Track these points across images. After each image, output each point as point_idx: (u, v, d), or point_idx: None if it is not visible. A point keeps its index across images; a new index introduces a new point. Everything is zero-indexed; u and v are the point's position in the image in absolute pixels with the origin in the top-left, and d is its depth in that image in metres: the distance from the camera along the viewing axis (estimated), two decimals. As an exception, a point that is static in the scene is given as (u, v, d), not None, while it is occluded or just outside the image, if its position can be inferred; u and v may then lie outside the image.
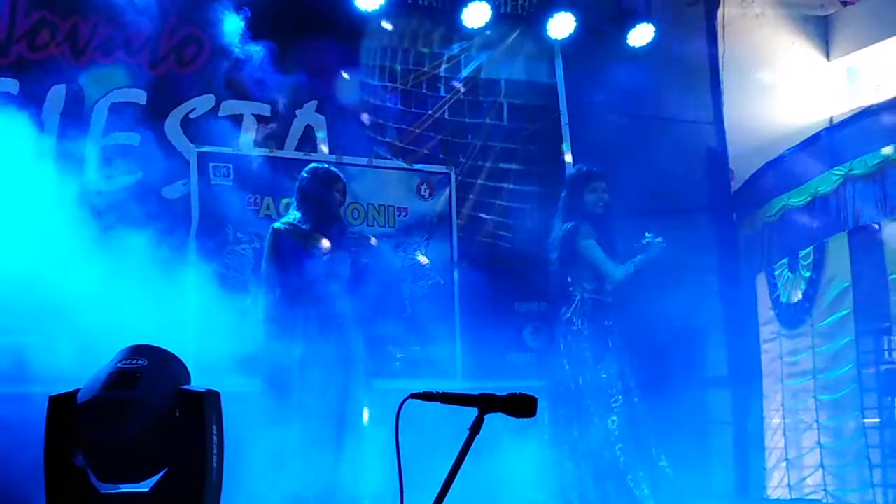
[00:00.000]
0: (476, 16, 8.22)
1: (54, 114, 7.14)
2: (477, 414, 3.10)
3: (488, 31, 8.43)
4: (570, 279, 7.27)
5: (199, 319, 6.99)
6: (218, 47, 7.48)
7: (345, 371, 6.57)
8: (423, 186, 8.15)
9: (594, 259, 7.19)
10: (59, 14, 7.19)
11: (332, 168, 6.93)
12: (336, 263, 6.63)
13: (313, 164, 6.94)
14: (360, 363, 6.70)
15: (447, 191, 8.21)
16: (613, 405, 7.04)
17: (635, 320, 7.67)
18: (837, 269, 7.79)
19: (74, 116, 7.18)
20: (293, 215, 6.76)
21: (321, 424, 6.39)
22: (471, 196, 8.35)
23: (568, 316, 7.23)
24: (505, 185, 8.41)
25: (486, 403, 3.10)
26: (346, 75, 8.04)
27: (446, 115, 8.38)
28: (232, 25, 7.43)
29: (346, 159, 7.92)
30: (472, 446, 3.09)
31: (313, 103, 7.89)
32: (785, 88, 9.69)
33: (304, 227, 6.66)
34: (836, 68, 9.87)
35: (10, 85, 7.05)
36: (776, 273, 8.58)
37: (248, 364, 6.89)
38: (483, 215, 8.37)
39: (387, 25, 8.15)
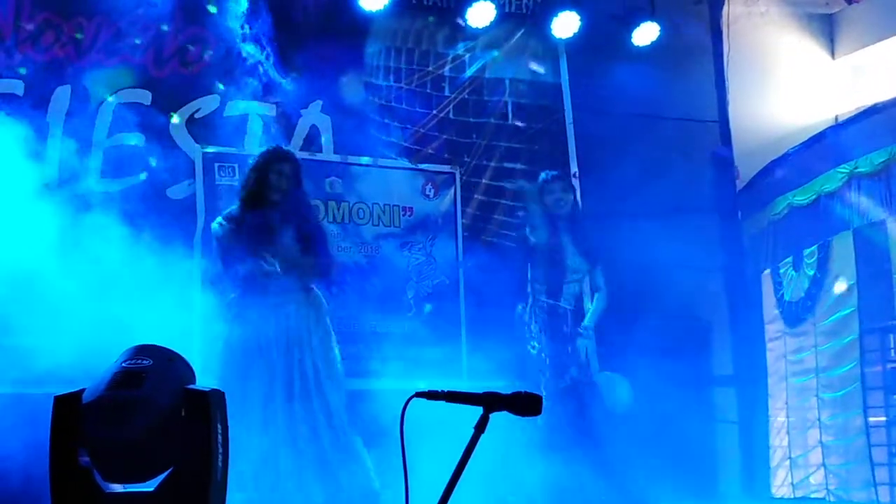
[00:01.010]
0: (480, 15, 8.22)
1: (59, 114, 7.15)
2: (482, 412, 3.10)
3: (493, 31, 8.43)
4: (529, 276, 7.27)
5: (204, 319, 6.99)
6: (223, 47, 7.50)
7: (289, 359, 6.23)
8: (428, 186, 8.15)
9: None
10: (63, 15, 7.20)
11: (281, 147, 6.63)
12: (275, 250, 6.25)
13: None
14: (309, 352, 6.28)
15: (452, 190, 8.21)
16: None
17: (641, 318, 7.67)
18: (842, 267, 7.79)
19: (79, 117, 7.20)
20: (232, 206, 6.49)
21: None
22: (476, 195, 8.34)
23: (523, 317, 7.19)
24: (509, 185, 8.41)
25: (491, 402, 3.10)
26: (350, 75, 8.05)
27: (451, 115, 8.38)
28: (236, 25, 7.44)
29: (351, 159, 7.93)
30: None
31: (318, 103, 7.89)
32: (790, 87, 9.69)
33: (237, 216, 6.33)
34: (841, 66, 9.87)
35: (16, 86, 7.07)
36: (781, 271, 8.58)
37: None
38: (488, 215, 8.36)
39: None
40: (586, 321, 7.27)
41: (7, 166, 6.51)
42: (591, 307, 7.38)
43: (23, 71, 7.06)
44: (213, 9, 7.46)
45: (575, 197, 7.47)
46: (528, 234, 7.27)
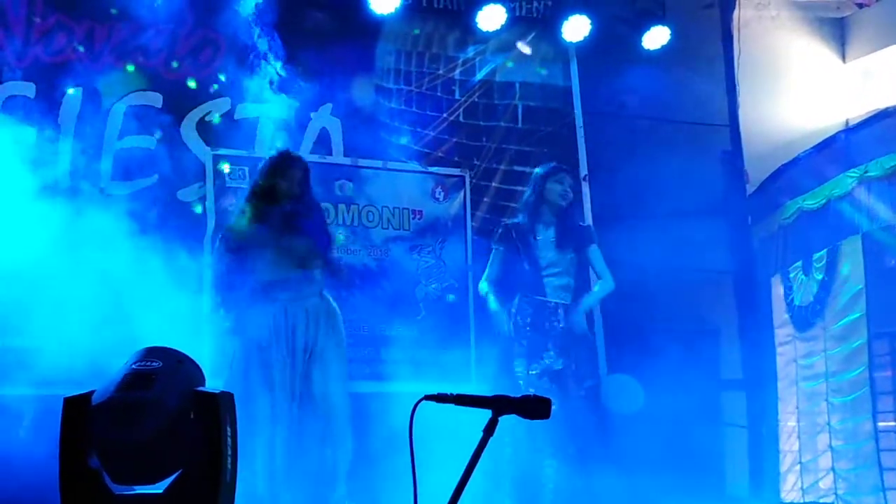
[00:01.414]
0: (491, 19, 8.21)
1: (70, 117, 7.18)
2: (491, 415, 3.11)
3: (503, 34, 8.42)
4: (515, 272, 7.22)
5: (213, 321, 7.01)
6: (233, 50, 7.51)
7: (293, 367, 6.21)
8: (438, 189, 8.15)
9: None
10: (74, 18, 7.22)
11: (290, 152, 6.58)
12: (287, 256, 6.24)
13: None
14: (319, 360, 6.24)
15: (462, 194, 8.21)
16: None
17: (650, 322, 7.67)
18: (851, 271, 7.78)
19: (91, 119, 7.22)
20: (240, 213, 6.47)
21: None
22: (485, 199, 8.34)
23: (513, 312, 7.12)
24: (519, 188, 8.35)
25: (500, 405, 3.10)
26: (360, 78, 8.05)
27: (461, 118, 8.38)
28: (247, 28, 7.46)
29: (361, 162, 7.94)
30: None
31: (328, 106, 7.90)
32: (800, 91, 9.68)
33: (245, 223, 6.31)
34: (851, 70, 9.85)
35: (27, 88, 7.09)
36: (791, 276, 8.57)
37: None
38: (497, 218, 8.35)
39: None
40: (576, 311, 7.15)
41: (18, 168, 6.54)
42: (587, 296, 7.25)
43: (34, 73, 7.08)
44: (224, 12, 7.48)
45: (575, 197, 7.39)
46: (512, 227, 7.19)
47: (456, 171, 8.24)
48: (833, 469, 7.81)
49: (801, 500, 8.14)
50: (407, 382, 7.30)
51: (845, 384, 7.77)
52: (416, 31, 8.32)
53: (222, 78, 7.59)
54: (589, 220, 8.20)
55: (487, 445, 3.09)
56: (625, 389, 7.44)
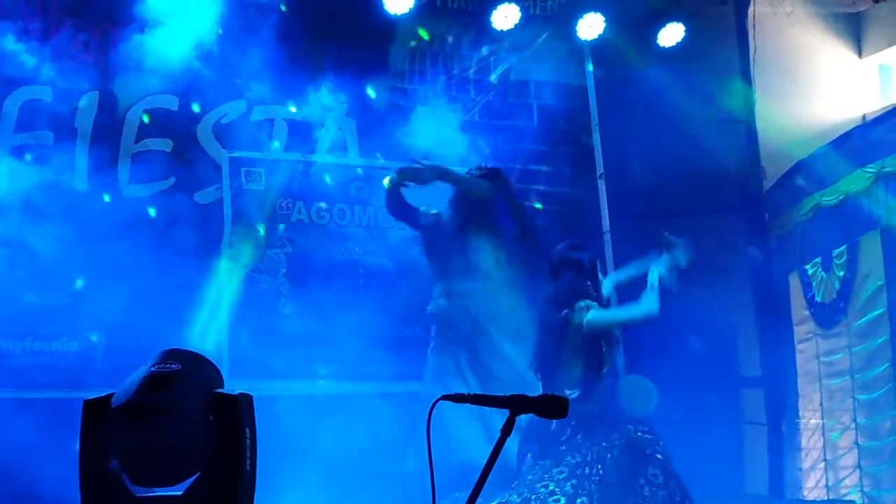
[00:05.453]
0: (505, 18, 8.21)
1: (87, 120, 7.20)
2: (508, 415, 3.11)
3: (518, 33, 8.41)
4: None
5: (233, 322, 7.04)
6: (249, 52, 7.53)
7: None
8: (454, 189, 8.13)
9: None
10: (91, 21, 7.24)
11: (495, 170, 7.11)
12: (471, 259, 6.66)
13: None
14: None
15: (477, 193, 8.18)
16: None
17: (667, 321, 7.65)
18: (872, 267, 7.73)
19: (107, 123, 7.24)
20: None
21: None
22: (501, 198, 8.33)
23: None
24: (535, 187, 8.40)
25: (518, 404, 3.10)
26: (375, 79, 8.06)
27: (476, 118, 8.37)
28: (262, 31, 7.48)
29: (377, 162, 7.93)
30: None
31: (343, 107, 7.90)
32: (817, 86, 9.64)
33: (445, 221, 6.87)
34: (868, 66, 9.80)
35: (44, 92, 7.11)
36: (810, 272, 8.53)
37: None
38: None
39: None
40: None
41: (37, 173, 6.59)
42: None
43: (51, 77, 7.11)
44: (238, 14, 7.49)
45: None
46: None
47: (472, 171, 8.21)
48: (859, 466, 7.77)
49: (826, 498, 8.10)
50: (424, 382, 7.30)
51: (871, 381, 7.72)
52: (431, 31, 8.31)
53: (238, 80, 7.60)
54: (605, 218, 8.20)
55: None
56: (639, 390, 7.42)
